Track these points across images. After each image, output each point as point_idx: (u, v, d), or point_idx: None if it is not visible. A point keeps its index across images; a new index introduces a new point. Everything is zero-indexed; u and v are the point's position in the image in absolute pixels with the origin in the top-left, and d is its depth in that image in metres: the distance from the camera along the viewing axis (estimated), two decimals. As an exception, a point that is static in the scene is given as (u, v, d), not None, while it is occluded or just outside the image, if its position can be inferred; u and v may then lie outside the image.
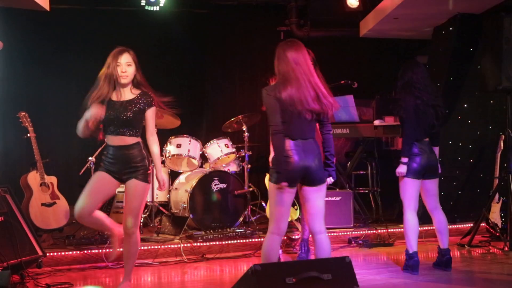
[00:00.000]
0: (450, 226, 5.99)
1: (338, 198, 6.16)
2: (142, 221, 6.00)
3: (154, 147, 4.06)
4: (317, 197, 3.70)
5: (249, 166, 6.37)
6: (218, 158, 6.27)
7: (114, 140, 3.95)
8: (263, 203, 6.59)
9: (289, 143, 3.61)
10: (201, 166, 6.39)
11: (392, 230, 6.08)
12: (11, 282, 4.12)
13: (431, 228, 5.74)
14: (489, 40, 5.86)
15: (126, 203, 3.98)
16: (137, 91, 4.02)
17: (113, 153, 3.95)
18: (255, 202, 6.42)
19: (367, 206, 6.83)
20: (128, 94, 4.00)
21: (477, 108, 6.69)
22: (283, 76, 3.63)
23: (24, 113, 5.49)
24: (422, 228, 5.98)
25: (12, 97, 6.65)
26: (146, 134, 4.05)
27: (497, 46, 5.59)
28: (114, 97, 3.97)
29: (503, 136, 6.09)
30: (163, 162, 6.28)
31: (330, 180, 3.78)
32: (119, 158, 3.94)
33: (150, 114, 4.02)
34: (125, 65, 3.94)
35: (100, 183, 3.96)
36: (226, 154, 6.29)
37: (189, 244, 5.39)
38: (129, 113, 3.92)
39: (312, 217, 3.73)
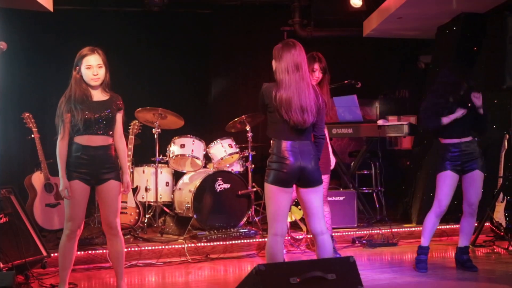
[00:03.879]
0: (454, 226, 6.00)
1: (341, 198, 6.15)
2: (146, 221, 6.01)
3: (124, 149, 4.00)
4: (314, 198, 3.68)
5: (253, 166, 6.37)
6: (221, 158, 6.26)
7: (92, 140, 3.81)
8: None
9: (285, 144, 3.60)
10: (204, 166, 6.39)
11: (396, 229, 6.08)
12: (16, 283, 4.12)
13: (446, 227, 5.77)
14: (493, 39, 5.84)
15: (108, 205, 3.87)
16: (109, 93, 3.94)
17: (89, 153, 3.80)
18: (259, 202, 6.41)
19: (371, 206, 6.82)
20: (100, 95, 3.91)
21: (481, 108, 6.65)
22: (278, 79, 3.63)
23: (28, 114, 5.50)
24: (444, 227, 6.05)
25: (16, 98, 6.65)
26: (115, 137, 3.96)
27: (501, 45, 5.58)
28: (89, 97, 3.85)
29: (507, 136, 6.08)
30: (166, 162, 6.30)
31: None
32: (96, 158, 3.82)
33: (120, 117, 3.98)
34: (96, 68, 3.85)
35: (84, 195, 3.84)
36: (229, 154, 6.28)
37: (193, 244, 5.39)
38: (108, 113, 3.85)
39: (311, 218, 3.71)
